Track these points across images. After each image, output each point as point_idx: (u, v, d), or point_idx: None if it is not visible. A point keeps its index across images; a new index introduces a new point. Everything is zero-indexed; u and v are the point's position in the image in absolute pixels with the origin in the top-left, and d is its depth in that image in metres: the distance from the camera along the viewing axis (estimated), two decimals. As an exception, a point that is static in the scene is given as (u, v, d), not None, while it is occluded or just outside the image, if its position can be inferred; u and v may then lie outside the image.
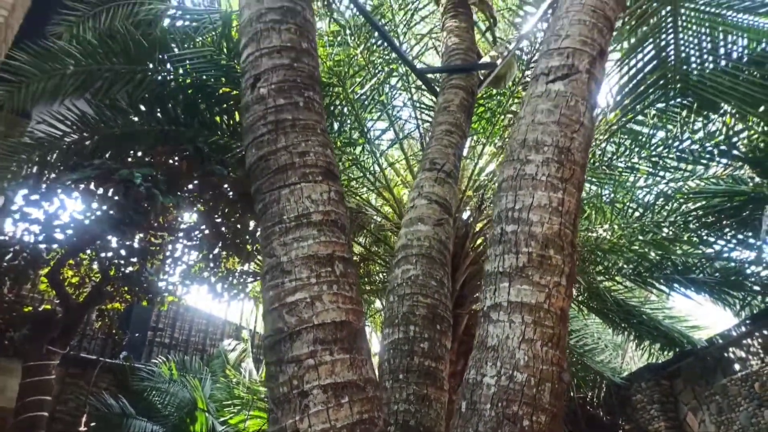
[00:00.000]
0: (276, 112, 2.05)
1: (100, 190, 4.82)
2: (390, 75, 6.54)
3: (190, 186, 5.52)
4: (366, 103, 6.39)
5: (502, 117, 6.56)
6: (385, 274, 7.86)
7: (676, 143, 5.50)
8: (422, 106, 6.77)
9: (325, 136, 2.11)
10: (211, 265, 6.53)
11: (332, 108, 5.96)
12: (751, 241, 5.81)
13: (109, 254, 5.94)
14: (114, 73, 4.72)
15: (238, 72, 5.00)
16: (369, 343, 1.91)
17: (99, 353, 10.04)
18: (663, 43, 4.81)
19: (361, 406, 1.66)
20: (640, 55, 4.98)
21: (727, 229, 5.89)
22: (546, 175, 1.96)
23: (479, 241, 6.37)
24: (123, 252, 5.91)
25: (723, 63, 4.69)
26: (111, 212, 4.89)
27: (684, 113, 5.21)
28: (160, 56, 4.85)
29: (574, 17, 2.25)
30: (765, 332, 9.01)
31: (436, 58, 7.18)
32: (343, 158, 6.44)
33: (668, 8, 4.65)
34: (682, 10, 4.63)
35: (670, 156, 5.67)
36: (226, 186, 5.60)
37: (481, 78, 3.98)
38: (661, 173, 6.08)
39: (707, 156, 5.45)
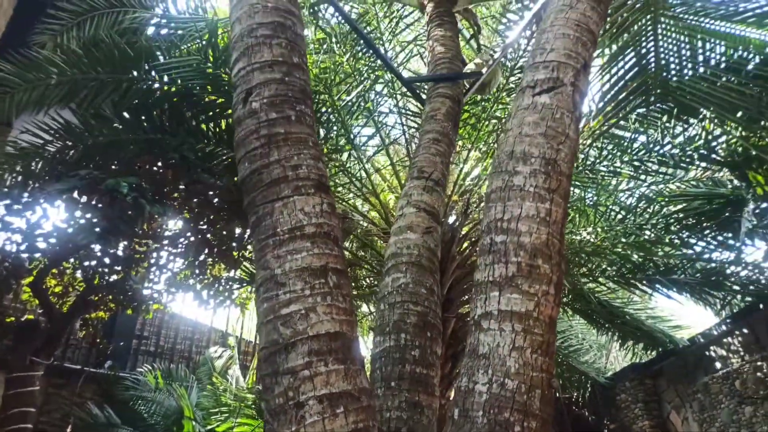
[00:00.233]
0: (268, 126, 2.07)
1: (84, 199, 4.77)
2: (376, 82, 6.58)
3: (176, 194, 5.48)
4: (352, 109, 6.42)
5: (487, 122, 6.63)
6: (371, 279, 7.88)
7: (657, 148, 5.60)
8: (408, 112, 6.83)
9: (317, 149, 2.14)
10: (197, 272, 6.48)
11: (318, 115, 5.98)
12: (731, 242, 5.93)
13: (93, 263, 5.86)
14: (99, 82, 4.67)
15: (225, 80, 5.03)
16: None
17: (83, 363, 9.93)
18: (643, 50, 4.92)
19: (356, 415, 1.69)
20: (621, 63, 5.09)
21: (707, 231, 6.00)
22: (534, 186, 2.01)
23: (465, 245, 6.43)
24: (107, 260, 5.82)
25: (702, 70, 4.81)
26: (95, 221, 4.84)
27: (664, 118, 5.31)
28: (146, 65, 4.82)
29: (558, 31, 2.31)
30: (745, 331, 9.21)
31: (421, 64, 7.24)
32: (330, 164, 6.46)
33: (648, 17, 4.75)
34: (662, 18, 4.74)
35: (652, 160, 5.78)
36: (212, 193, 5.58)
37: (467, 86, 4.03)
38: (643, 177, 6.18)
39: (687, 160, 5.56)
